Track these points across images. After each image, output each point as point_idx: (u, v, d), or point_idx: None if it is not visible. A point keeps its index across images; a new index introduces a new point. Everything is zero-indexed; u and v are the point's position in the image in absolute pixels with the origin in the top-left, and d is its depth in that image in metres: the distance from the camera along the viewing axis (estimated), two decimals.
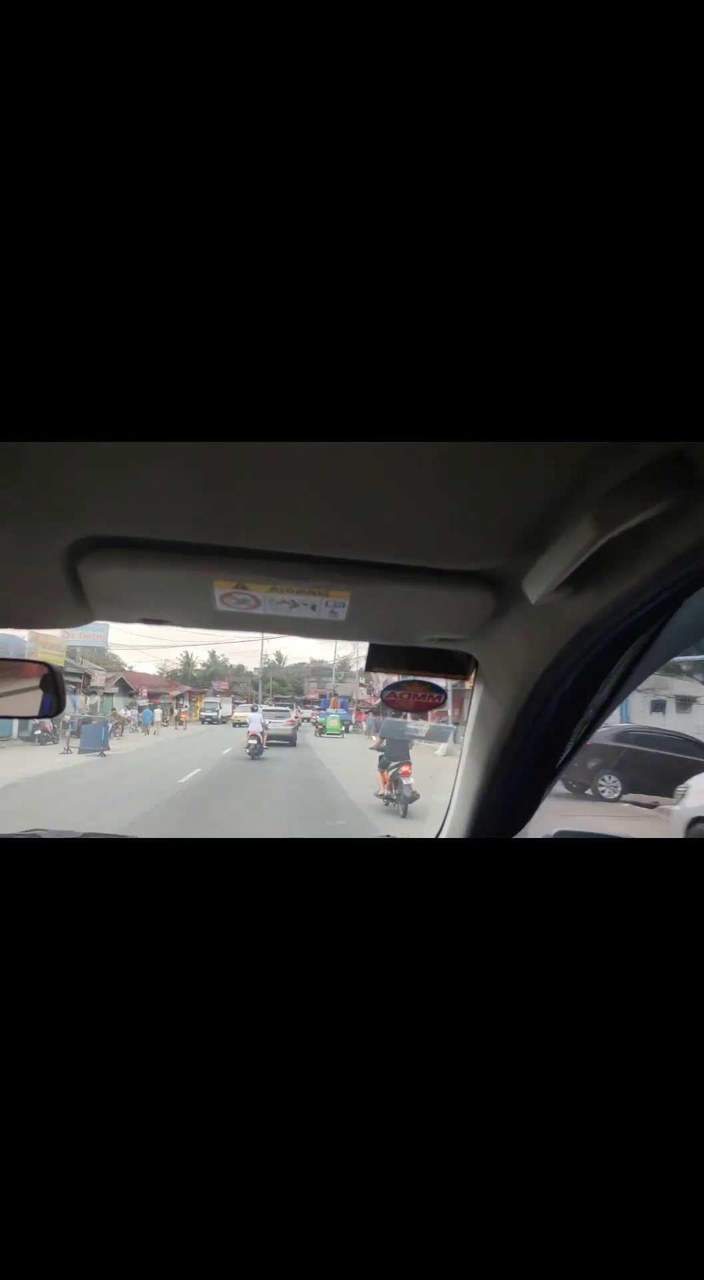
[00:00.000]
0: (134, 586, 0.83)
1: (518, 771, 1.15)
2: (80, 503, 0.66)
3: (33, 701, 1.06)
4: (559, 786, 9.39)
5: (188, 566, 0.77)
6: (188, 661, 48.62)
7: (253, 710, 18.79)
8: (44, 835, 1.25)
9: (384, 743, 10.21)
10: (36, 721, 15.50)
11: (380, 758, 9.99)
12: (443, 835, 1.39)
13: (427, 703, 1.22)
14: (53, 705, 1.06)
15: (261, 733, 15.45)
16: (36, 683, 1.05)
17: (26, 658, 1.07)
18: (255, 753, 14.99)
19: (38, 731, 17.60)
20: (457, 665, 1.14)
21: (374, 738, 13.74)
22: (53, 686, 1.05)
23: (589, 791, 10.08)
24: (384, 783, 9.64)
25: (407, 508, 0.66)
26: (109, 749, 15.28)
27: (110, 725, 17.97)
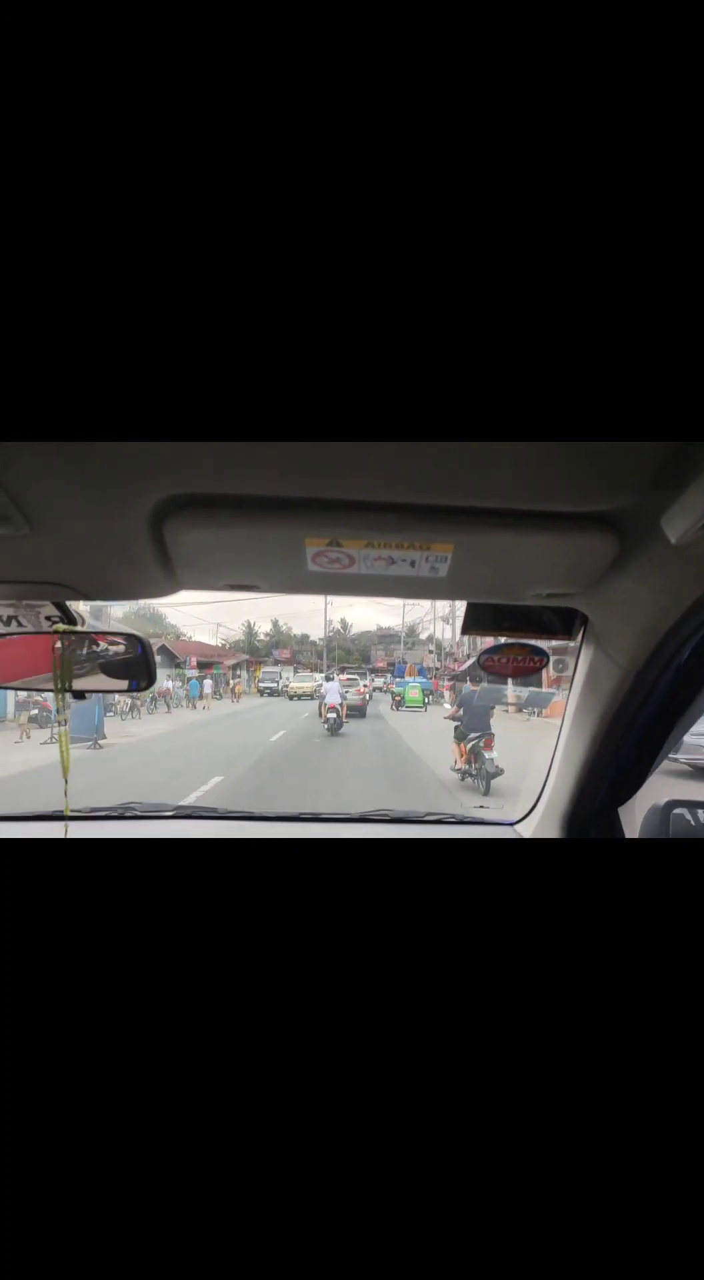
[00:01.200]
0: (221, 548, 0.82)
1: (631, 737, 1.10)
2: (164, 458, 0.65)
3: (121, 674, 1.10)
4: None
5: (277, 523, 0.76)
6: (250, 631, 49.75)
7: (327, 680, 18.81)
8: (138, 809, 1.33)
9: (461, 711, 9.44)
10: (37, 698, 13.68)
11: (456, 728, 9.36)
12: (541, 805, 1.38)
13: (527, 667, 1.17)
14: (141, 678, 1.08)
15: (340, 704, 14.72)
16: (124, 654, 1.09)
17: (116, 629, 1.11)
18: (335, 727, 14.36)
19: (34, 711, 14.81)
20: (561, 624, 1.08)
21: (447, 706, 13.27)
22: (142, 659, 1.08)
23: None
24: (461, 756, 9.08)
25: (522, 444, 0.61)
26: (105, 736, 12.56)
27: (103, 706, 13.81)
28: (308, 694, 26.94)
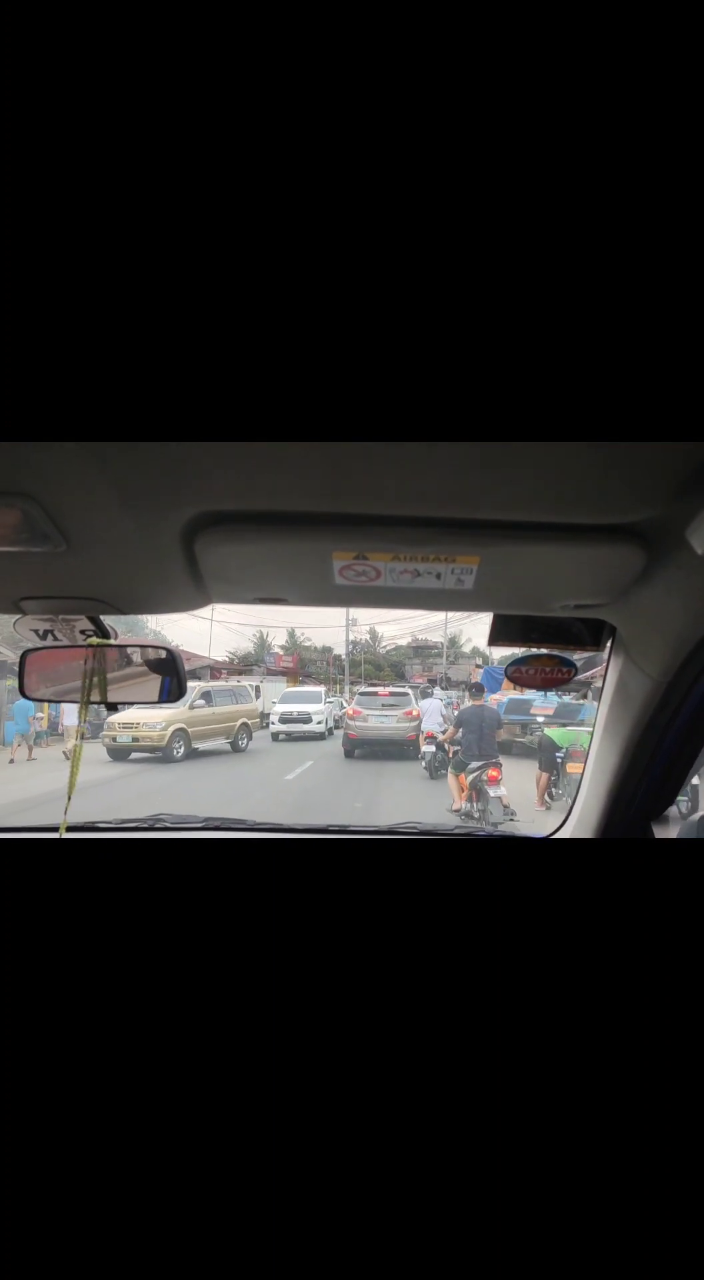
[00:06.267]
0: (250, 563, 0.94)
1: (663, 749, 1.22)
2: (195, 477, 0.74)
3: (151, 686, 1.26)
4: None
5: (304, 537, 0.86)
6: (262, 643, 49.09)
7: (424, 696, 14.08)
8: (166, 820, 1.54)
9: (459, 733, 8.01)
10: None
11: (455, 755, 8.08)
12: (571, 821, 1.49)
13: (555, 678, 1.29)
14: (172, 689, 1.25)
15: (440, 733, 10.81)
16: (156, 665, 1.25)
17: (147, 641, 1.33)
18: (436, 768, 10.45)
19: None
20: (590, 635, 1.21)
21: (446, 726, 10.10)
22: (173, 670, 1.25)
23: None
24: (461, 793, 7.76)
25: (547, 455, 0.68)
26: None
27: None
28: (156, 746, 12.65)
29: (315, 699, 18.28)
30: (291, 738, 16.63)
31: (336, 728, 17.34)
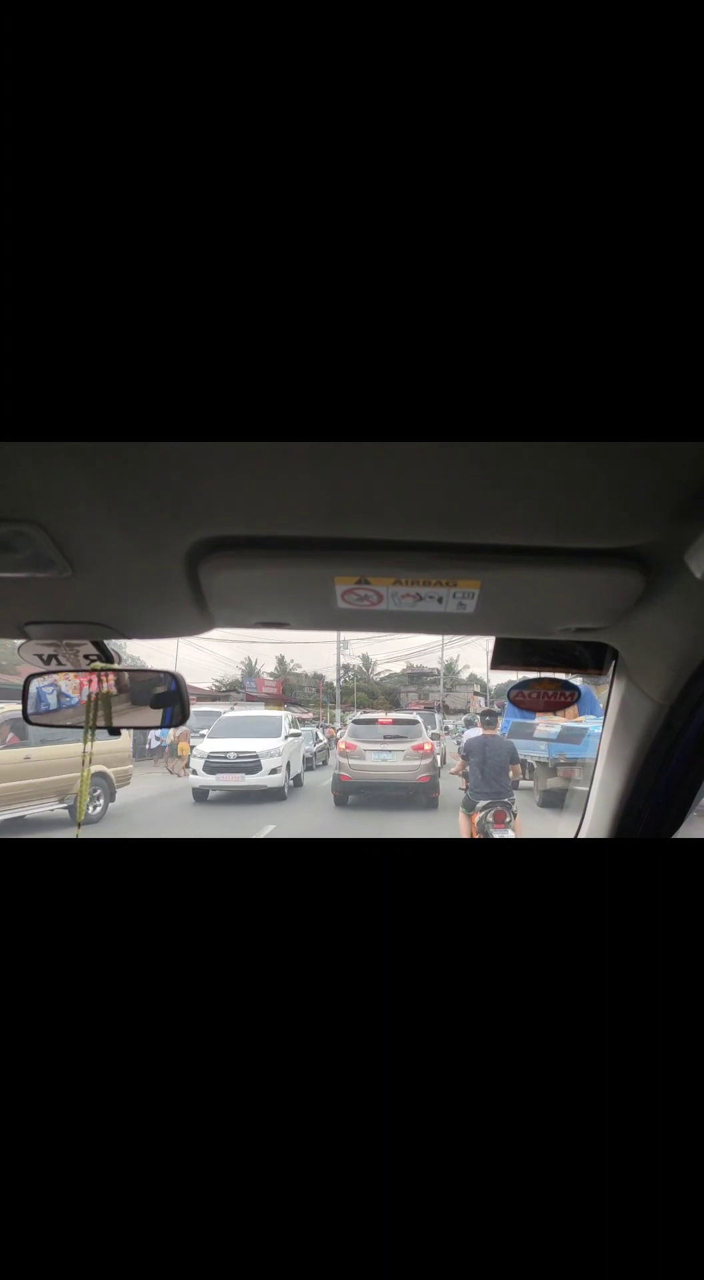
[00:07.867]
0: (253, 587, 0.97)
1: (668, 773, 1.25)
2: (199, 503, 0.77)
3: (155, 711, 1.29)
4: None
5: (307, 562, 0.89)
6: (250, 670, 48.79)
7: (468, 726, 10.13)
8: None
9: (468, 765, 7.15)
10: None
11: (465, 794, 7.21)
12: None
13: (558, 702, 1.33)
14: (176, 714, 1.28)
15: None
16: (159, 690, 1.30)
17: (152, 667, 1.37)
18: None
19: None
20: (592, 659, 1.24)
21: (456, 757, 8.39)
22: (177, 696, 1.28)
23: None
24: (471, 837, 6.64)
25: (547, 478, 0.70)
26: None
27: None
28: None
29: (269, 729, 12.24)
30: (232, 794, 10.89)
31: (309, 771, 13.58)
